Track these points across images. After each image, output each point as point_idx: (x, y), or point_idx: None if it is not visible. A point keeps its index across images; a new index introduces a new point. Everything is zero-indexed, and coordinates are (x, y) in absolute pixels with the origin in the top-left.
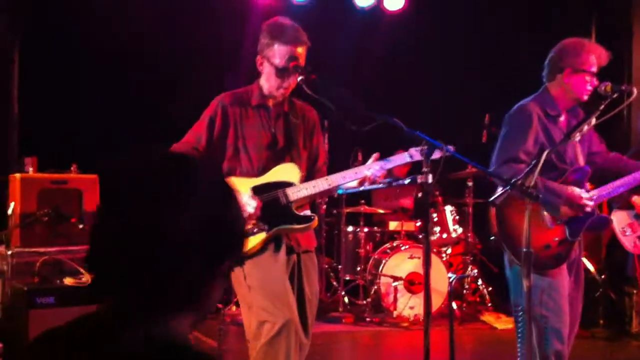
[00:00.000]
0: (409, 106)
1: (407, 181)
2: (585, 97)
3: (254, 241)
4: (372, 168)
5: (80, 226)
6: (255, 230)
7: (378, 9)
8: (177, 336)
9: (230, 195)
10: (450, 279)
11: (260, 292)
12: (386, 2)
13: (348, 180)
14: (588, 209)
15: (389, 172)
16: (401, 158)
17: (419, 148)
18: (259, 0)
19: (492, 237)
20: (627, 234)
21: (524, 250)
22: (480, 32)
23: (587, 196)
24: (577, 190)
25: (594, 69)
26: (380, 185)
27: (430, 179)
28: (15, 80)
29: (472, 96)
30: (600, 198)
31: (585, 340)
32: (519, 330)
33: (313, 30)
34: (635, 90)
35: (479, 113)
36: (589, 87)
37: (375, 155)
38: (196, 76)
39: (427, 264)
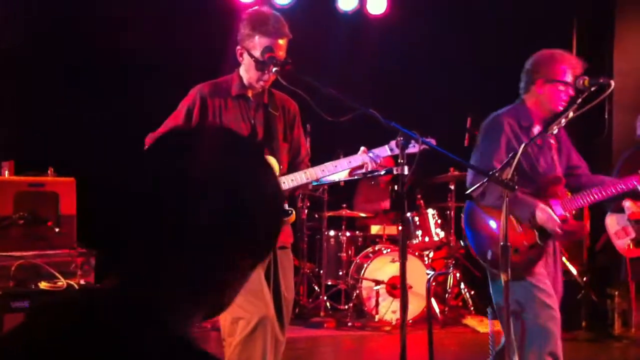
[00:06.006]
0: (392, 109)
1: (382, 172)
2: (561, 108)
3: None
4: (368, 155)
5: (57, 229)
6: None
7: (361, 12)
8: (185, 332)
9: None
10: (429, 276)
11: None
12: (369, 6)
13: (339, 170)
14: (558, 233)
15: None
16: (382, 151)
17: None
18: (241, 2)
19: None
20: (620, 237)
21: (501, 243)
22: (462, 34)
23: (558, 222)
24: (548, 212)
25: (568, 79)
26: (359, 174)
27: (406, 170)
28: None
29: (455, 99)
30: (575, 206)
31: (568, 343)
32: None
33: (296, 32)
34: (612, 83)
35: (461, 116)
36: (564, 97)
37: (363, 149)
38: (174, 77)
39: (403, 250)
